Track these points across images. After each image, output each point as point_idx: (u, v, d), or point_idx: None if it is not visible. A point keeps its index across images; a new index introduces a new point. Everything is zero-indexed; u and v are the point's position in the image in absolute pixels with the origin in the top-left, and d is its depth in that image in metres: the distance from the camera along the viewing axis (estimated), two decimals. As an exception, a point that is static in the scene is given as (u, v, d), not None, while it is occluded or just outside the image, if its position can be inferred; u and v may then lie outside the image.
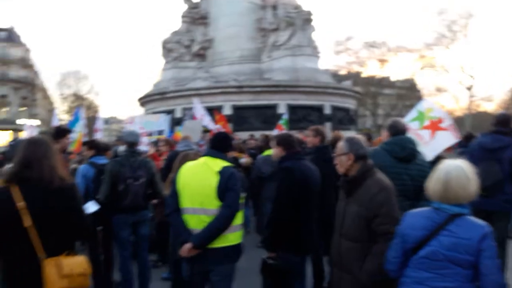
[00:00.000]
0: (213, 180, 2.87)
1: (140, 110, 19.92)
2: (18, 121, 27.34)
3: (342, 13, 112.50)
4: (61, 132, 4.51)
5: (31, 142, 2.46)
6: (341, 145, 2.70)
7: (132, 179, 4.08)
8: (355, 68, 33.82)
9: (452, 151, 8.04)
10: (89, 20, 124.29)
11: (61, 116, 38.97)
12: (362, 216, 2.49)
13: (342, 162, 2.66)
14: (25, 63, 48.83)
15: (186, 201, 2.96)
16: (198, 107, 10.78)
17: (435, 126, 6.86)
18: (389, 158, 3.31)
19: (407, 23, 72.25)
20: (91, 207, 3.15)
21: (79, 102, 44.93)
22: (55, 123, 11.89)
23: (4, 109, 46.65)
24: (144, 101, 18.69)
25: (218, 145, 3.10)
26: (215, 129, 9.58)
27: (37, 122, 45.81)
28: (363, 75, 34.07)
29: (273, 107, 15.16)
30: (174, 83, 17.34)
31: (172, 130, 11.41)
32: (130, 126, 10.26)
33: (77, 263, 2.32)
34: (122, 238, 4.16)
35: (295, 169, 3.02)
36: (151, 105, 17.88)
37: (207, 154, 3.09)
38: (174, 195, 3.02)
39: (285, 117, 11.93)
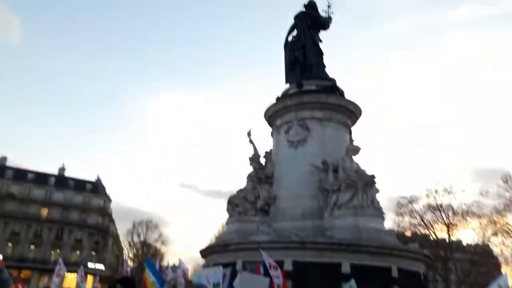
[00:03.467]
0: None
1: (202, 262, 20.23)
2: (89, 265, 28.76)
3: (407, 173, 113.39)
4: (129, 283, 5.69)
5: None
6: None
7: None
8: (422, 230, 32.54)
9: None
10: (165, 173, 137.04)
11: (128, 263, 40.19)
12: None
13: None
14: (104, 211, 53.41)
15: None
16: (268, 259, 11.12)
17: None
18: None
19: (474, 189, 70.52)
20: None
21: (145, 249, 46.57)
22: (126, 270, 13.06)
23: (77, 253, 49.44)
24: (206, 252, 19.12)
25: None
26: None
27: (101, 266, 47.42)
28: (432, 237, 32.43)
29: (336, 265, 14.82)
30: (237, 236, 17.85)
31: (231, 282, 11.51)
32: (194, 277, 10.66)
33: None
34: None
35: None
36: (213, 257, 18.16)
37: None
38: None
39: (353, 284, 11.63)
